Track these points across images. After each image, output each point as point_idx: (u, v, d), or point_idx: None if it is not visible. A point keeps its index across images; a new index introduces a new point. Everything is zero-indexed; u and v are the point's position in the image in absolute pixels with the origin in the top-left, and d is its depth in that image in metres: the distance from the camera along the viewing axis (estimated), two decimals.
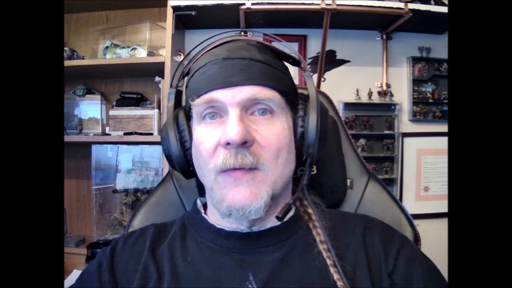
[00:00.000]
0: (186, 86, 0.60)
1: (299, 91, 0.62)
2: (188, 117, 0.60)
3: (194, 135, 0.57)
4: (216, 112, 0.55)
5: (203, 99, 0.54)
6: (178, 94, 0.65)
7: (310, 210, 0.59)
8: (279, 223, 0.57)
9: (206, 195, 0.63)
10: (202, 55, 0.60)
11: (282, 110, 0.56)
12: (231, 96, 0.53)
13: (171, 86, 0.65)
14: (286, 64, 0.62)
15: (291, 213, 0.60)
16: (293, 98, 0.59)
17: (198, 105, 0.55)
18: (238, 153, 0.51)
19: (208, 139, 0.54)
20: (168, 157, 0.61)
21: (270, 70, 0.56)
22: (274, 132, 0.54)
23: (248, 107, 0.54)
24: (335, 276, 0.52)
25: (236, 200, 0.52)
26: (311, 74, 0.63)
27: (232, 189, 0.53)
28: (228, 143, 0.51)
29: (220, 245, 0.57)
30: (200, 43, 0.63)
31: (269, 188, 0.53)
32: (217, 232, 0.58)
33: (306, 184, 0.59)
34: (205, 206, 0.65)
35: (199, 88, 0.55)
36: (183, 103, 0.65)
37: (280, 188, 0.56)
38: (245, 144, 0.51)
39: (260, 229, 0.57)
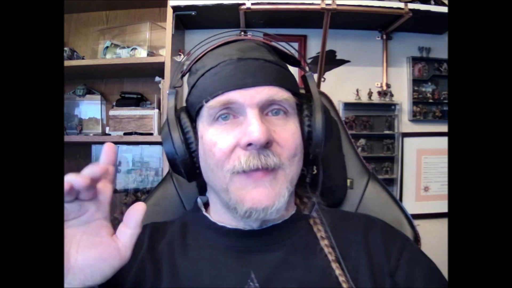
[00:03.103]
0: (193, 86, 0.58)
1: None
2: (191, 118, 0.58)
3: (204, 136, 0.55)
4: (230, 113, 0.54)
5: (220, 101, 0.53)
6: (177, 94, 0.63)
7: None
8: (280, 220, 0.57)
9: (208, 195, 0.63)
10: (205, 54, 0.59)
11: (294, 111, 0.57)
12: (249, 97, 0.52)
13: (170, 86, 0.63)
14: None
15: (292, 212, 0.60)
16: (300, 98, 0.59)
17: (213, 107, 0.53)
18: (260, 154, 0.51)
19: (224, 140, 0.53)
20: (172, 160, 0.57)
21: (282, 71, 0.57)
22: (290, 132, 0.55)
23: (264, 108, 0.54)
24: (337, 272, 0.52)
25: (257, 201, 0.51)
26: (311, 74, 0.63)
27: (252, 190, 0.52)
28: (249, 144, 0.50)
29: (221, 243, 0.57)
30: (202, 41, 0.62)
31: (289, 185, 0.54)
32: (218, 230, 0.58)
33: (308, 183, 0.60)
34: (205, 205, 0.64)
35: (214, 89, 0.53)
36: (183, 103, 0.63)
37: (294, 186, 0.57)
38: (266, 144, 0.51)
39: (262, 227, 0.57)
